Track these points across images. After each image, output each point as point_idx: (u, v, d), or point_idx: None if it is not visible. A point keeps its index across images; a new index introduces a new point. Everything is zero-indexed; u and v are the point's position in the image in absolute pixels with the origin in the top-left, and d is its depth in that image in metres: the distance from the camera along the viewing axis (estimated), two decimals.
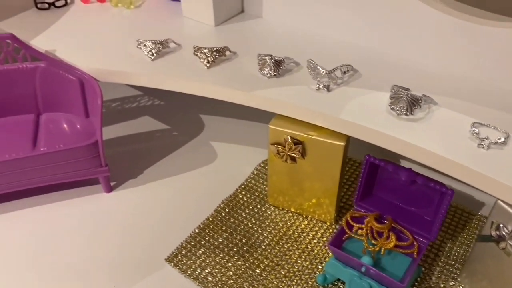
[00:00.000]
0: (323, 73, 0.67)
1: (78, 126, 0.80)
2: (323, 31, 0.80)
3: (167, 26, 0.85)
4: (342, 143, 0.64)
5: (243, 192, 0.80)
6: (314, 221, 0.75)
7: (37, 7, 0.91)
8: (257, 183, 0.81)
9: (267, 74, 0.70)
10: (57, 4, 0.91)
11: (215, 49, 0.73)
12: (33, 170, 0.72)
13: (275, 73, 0.69)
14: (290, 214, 0.76)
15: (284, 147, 0.68)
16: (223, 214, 0.76)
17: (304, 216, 0.76)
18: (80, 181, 0.78)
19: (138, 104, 1.01)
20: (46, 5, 0.91)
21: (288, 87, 0.68)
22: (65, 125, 0.81)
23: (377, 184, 0.68)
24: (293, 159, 0.69)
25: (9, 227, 0.74)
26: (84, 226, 0.75)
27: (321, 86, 0.67)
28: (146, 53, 0.75)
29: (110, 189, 0.80)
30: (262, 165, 0.85)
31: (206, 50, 0.73)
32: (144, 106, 1.01)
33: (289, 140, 0.67)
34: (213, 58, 0.73)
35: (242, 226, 0.74)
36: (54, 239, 0.73)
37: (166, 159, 0.87)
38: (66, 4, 0.93)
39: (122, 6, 0.92)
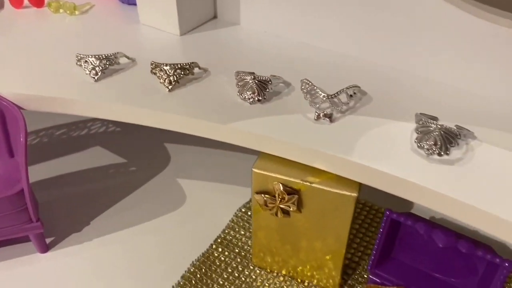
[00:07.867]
0: (323, 98, 0.50)
1: None
2: (320, 42, 0.64)
3: (120, 37, 0.66)
4: (354, 194, 0.47)
5: (220, 249, 0.62)
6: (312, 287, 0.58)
7: None
8: (238, 235, 0.64)
9: (249, 99, 0.53)
10: None
11: (179, 65, 0.56)
12: None
13: (259, 98, 0.52)
14: (282, 278, 0.59)
15: (274, 197, 0.51)
16: (194, 281, 0.58)
17: (299, 280, 0.58)
18: (7, 240, 0.60)
19: (88, 131, 0.82)
20: None
21: (276, 117, 0.51)
22: None
23: (398, 245, 0.52)
24: (286, 212, 0.52)
25: None
26: None
27: (321, 115, 0.50)
28: (87, 72, 0.57)
29: (45, 248, 0.62)
30: (243, 210, 0.68)
31: (167, 68, 0.56)
32: (95, 133, 0.82)
33: (281, 188, 0.50)
34: (176, 77, 0.55)
35: None
36: None
37: (121, 204, 0.68)
38: None
39: (64, 12, 0.73)
